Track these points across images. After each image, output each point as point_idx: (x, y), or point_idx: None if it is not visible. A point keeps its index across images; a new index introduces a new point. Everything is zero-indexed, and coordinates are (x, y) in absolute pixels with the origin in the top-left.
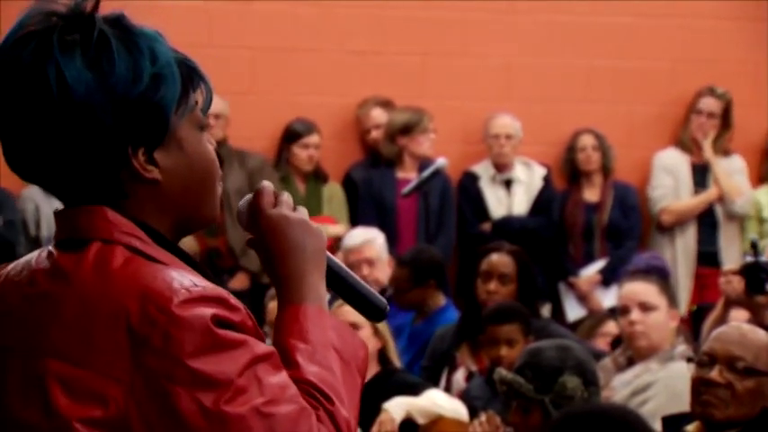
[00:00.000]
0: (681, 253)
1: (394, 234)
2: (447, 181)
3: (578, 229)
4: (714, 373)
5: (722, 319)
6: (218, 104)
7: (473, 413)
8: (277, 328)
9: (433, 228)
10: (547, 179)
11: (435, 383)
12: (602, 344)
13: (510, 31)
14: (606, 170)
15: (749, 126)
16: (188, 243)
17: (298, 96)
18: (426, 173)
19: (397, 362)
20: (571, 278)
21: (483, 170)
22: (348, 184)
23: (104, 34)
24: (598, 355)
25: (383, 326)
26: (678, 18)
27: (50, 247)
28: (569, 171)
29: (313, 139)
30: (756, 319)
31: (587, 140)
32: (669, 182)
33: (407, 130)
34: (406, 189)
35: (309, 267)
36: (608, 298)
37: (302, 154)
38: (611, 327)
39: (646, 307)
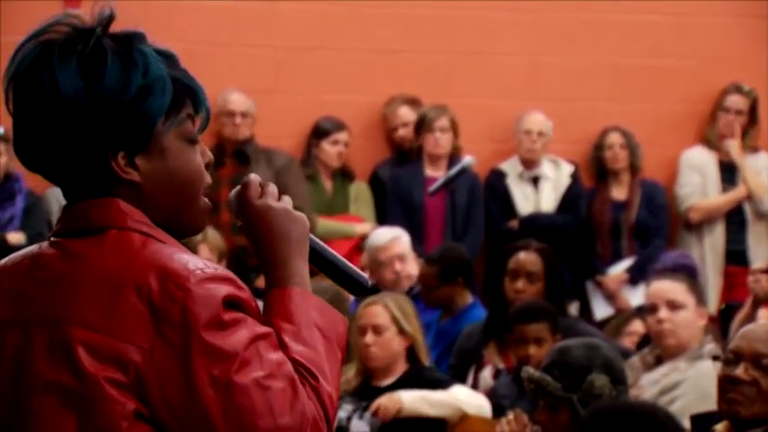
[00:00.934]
0: (709, 251)
1: (421, 232)
2: (475, 179)
3: (606, 228)
4: (740, 371)
5: (750, 318)
6: (244, 103)
7: (500, 412)
8: (265, 310)
9: (460, 226)
10: (574, 176)
11: (462, 382)
12: (628, 342)
13: (536, 29)
14: (634, 168)
15: None
16: (215, 241)
17: (324, 95)
18: (453, 171)
19: (426, 360)
20: (599, 276)
21: (510, 167)
22: (375, 182)
23: (102, 47)
24: (625, 354)
25: (415, 324)
26: (704, 16)
27: (52, 239)
28: (597, 169)
29: (342, 135)
30: None
31: (615, 138)
32: (697, 180)
33: (420, 127)
34: (432, 187)
35: (293, 253)
36: (635, 296)
37: (332, 150)
38: (637, 326)
39: (674, 305)
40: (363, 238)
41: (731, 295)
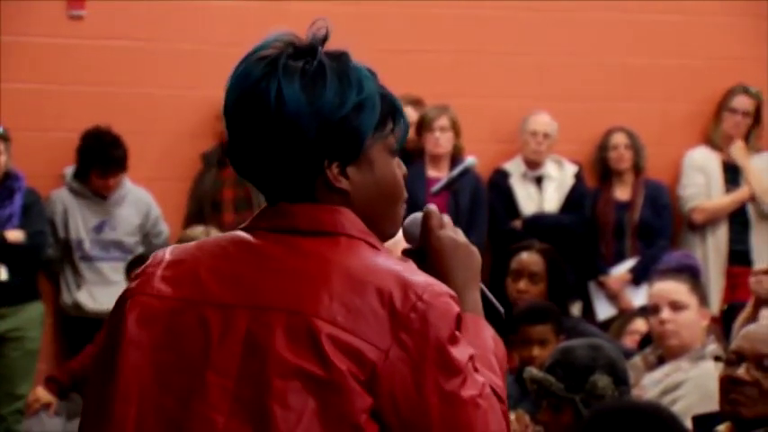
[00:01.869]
0: (712, 252)
1: None
2: (478, 179)
3: (609, 228)
4: (741, 371)
5: (753, 319)
6: None
7: None
8: None
9: (463, 226)
10: (578, 176)
11: None
12: (630, 342)
13: (541, 29)
14: (638, 168)
15: None
16: None
17: None
18: (456, 171)
19: None
20: (601, 277)
21: (514, 167)
22: None
23: (323, 64)
24: (627, 354)
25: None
26: (709, 16)
27: (265, 232)
28: (601, 169)
29: None
30: None
31: (620, 139)
32: (700, 180)
33: (420, 128)
34: (435, 187)
35: (471, 283)
36: (638, 297)
37: None
38: (639, 324)
39: (676, 306)
40: None
41: (734, 296)
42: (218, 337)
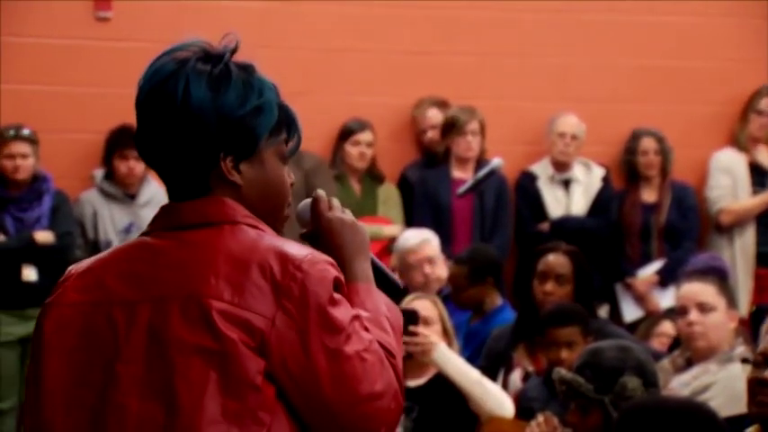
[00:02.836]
0: (740, 254)
1: (449, 234)
2: (503, 181)
3: (636, 230)
4: None
5: None
6: None
7: (530, 415)
8: None
9: (488, 228)
10: (606, 180)
11: None
12: (658, 344)
13: (567, 30)
14: (665, 171)
15: None
16: None
17: (353, 97)
18: (481, 173)
19: None
20: (628, 279)
21: (541, 170)
22: (403, 184)
23: (229, 69)
24: (654, 357)
25: (448, 324)
26: (735, 17)
27: (160, 232)
28: (628, 172)
29: (365, 136)
30: None
31: (649, 144)
32: (727, 182)
33: (448, 129)
34: (461, 189)
35: (358, 256)
36: (665, 299)
37: (353, 151)
38: (667, 327)
39: (704, 308)
40: (392, 240)
41: (762, 298)
42: (125, 331)
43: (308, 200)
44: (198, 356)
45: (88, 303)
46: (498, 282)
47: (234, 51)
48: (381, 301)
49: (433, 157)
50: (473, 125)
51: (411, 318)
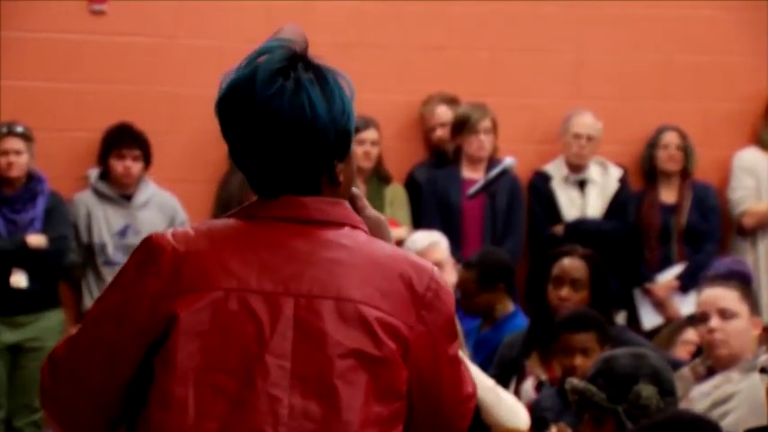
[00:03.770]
0: (763, 257)
1: (459, 237)
2: (515, 181)
3: (655, 232)
4: None
5: None
6: None
7: (543, 425)
8: None
9: (500, 230)
10: (623, 181)
11: None
12: (683, 352)
13: (582, 24)
14: (686, 171)
15: None
16: None
17: (359, 94)
18: (493, 173)
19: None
20: (647, 284)
21: (555, 170)
22: (411, 184)
23: (324, 74)
24: (676, 365)
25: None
26: (755, 11)
27: (272, 220)
28: (647, 169)
29: (369, 134)
30: None
31: (671, 138)
32: (750, 183)
33: (459, 128)
34: (471, 190)
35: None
36: (686, 305)
37: (358, 150)
38: (691, 334)
39: (726, 314)
40: (399, 242)
41: None
42: (270, 322)
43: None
44: (356, 360)
45: (218, 288)
46: (510, 287)
47: (306, 47)
48: None
49: (442, 157)
50: (484, 123)
51: None
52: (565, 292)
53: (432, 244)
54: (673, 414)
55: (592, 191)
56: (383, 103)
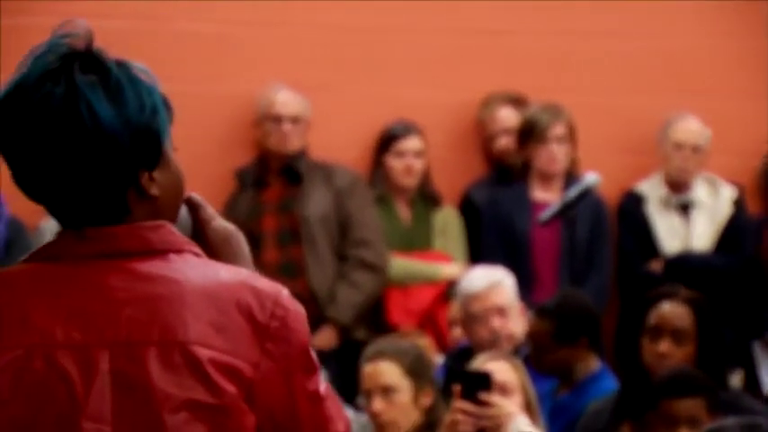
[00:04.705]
0: None
1: (529, 275)
2: (600, 204)
3: None
4: None
5: None
6: (295, 103)
7: None
8: None
9: (580, 267)
10: (738, 202)
11: None
12: None
13: (682, 6)
14: None
15: None
16: None
17: (398, 91)
18: (572, 193)
19: None
20: None
21: (651, 189)
22: (467, 208)
23: (112, 71)
24: None
25: (532, 395)
26: None
27: (76, 260)
28: None
29: (412, 143)
30: None
31: None
32: None
33: (527, 135)
34: (544, 215)
35: (251, 269)
36: None
37: (397, 165)
38: None
39: None
40: (452, 283)
41: None
42: (82, 380)
43: (184, 208)
44: (189, 412)
45: (17, 346)
46: (594, 340)
47: (91, 42)
48: None
49: (506, 172)
50: (557, 129)
51: (482, 382)
52: (665, 346)
53: (493, 285)
54: None
55: (699, 216)
56: (429, 104)
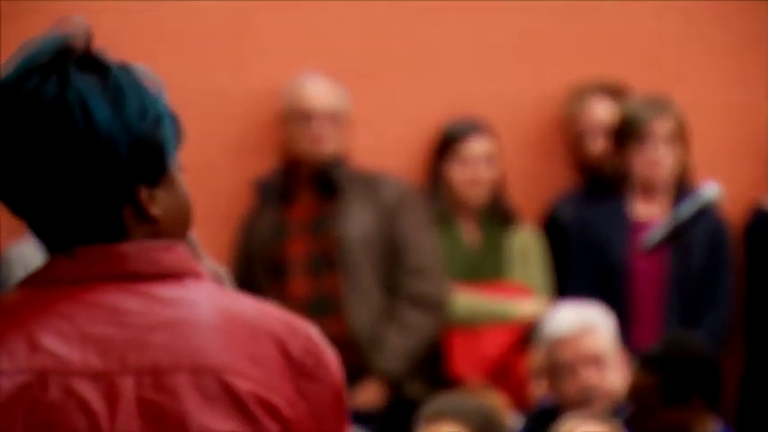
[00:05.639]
0: None
1: (627, 313)
2: (720, 223)
3: None
4: None
5: None
6: (331, 99)
7: None
8: None
9: (694, 303)
10: None
11: None
12: None
13: None
14: None
15: None
16: None
17: (460, 83)
18: (684, 210)
19: None
20: None
21: None
22: (551, 228)
23: (114, 72)
24: None
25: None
26: None
27: (79, 282)
28: None
29: (477, 146)
30: None
31: None
32: None
33: (625, 135)
34: (650, 238)
35: None
36: None
37: (460, 174)
38: None
39: None
40: (532, 324)
41: None
42: (106, 411)
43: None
44: None
45: (25, 371)
46: (713, 398)
47: (90, 42)
48: None
49: (599, 183)
50: (661, 125)
51: None
52: None
53: (586, 327)
54: None
55: None
56: (500, 98)
